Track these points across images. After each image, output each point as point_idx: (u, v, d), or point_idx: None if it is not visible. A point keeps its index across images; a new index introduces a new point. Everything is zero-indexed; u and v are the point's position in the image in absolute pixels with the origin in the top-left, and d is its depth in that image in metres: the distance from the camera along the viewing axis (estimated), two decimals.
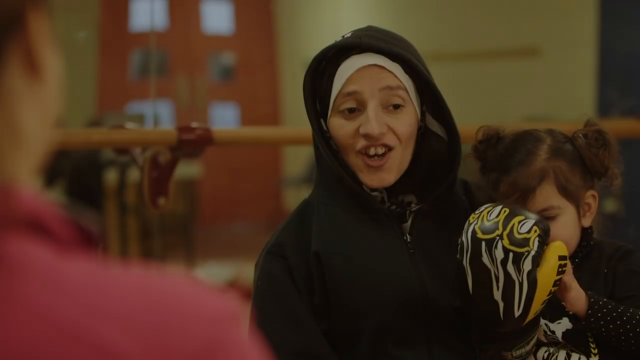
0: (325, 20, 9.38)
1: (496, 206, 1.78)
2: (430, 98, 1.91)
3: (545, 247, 1.75)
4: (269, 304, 1.89)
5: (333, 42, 1.89)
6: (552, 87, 7.74)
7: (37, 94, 0.75)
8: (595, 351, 1.81)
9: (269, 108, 10.24)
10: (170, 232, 7.46)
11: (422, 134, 1.92)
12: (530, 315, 1.76)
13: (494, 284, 1.74)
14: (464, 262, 1.78)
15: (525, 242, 1.72)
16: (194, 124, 2.97)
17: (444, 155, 1.94)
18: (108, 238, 6.65)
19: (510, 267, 1.72)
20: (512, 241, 1.72)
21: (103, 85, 9.11)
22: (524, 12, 7.92)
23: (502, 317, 1.75)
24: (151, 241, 6.63)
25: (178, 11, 10.10)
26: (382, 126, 1.84)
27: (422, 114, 1.91)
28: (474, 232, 1.76)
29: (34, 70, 0.75)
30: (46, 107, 0.76)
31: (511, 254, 1.72)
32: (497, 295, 1.74)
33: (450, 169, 1.92)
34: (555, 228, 1.80)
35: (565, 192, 1.84)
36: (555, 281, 1.75)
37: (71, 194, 6.30)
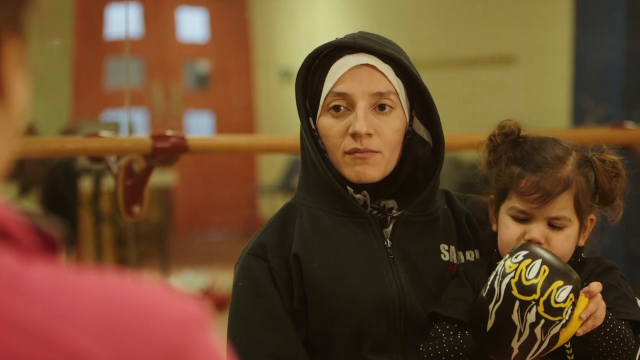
0: (300, 29, 9.39)
1: (535, 260, 1.75)
2: (419, 102, 1.91)
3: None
4: (248, 305, 1.89)
5: (325, 42, 1.89)
6: (527, 95, 7.78)
7: (1, 118, 0.74)
8: (572, 358, 1.82)
9: (244, 116, 10.24)
10: (145, 240, 7.44)
11: (410, 138, 1.92)
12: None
13: (516, 337, 1.75)
14: (490, 306, 1.77)
15: (559, 312, 1.72)
16: (169, 132, 2.96)
17: (426, 161, 1.94)
18: (83, 246, 6.62)
19: (538, 330, 1.73)
20: (548, 309, 1.72)
21: (78, 93, 9.07)
22: (499, 21, 7.96)
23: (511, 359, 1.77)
24: (126, 249, 6.61)
25: (153, 19, 10.08)
26: (370, 127, 1.84)
27: (411, 118, 1.91)
28: (509, 287, 1.75)
29: (1, 96, 0.74)
30: (8, 132, 0.76)
31: (543, 320, 1.72)
32: (515, 344, 1.75)
33: (433, 174, 1.93)
34: (559, 239, 1.86)
35: (578, 207, 1.87)
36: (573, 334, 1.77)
37: (45, 202, 6.26)
